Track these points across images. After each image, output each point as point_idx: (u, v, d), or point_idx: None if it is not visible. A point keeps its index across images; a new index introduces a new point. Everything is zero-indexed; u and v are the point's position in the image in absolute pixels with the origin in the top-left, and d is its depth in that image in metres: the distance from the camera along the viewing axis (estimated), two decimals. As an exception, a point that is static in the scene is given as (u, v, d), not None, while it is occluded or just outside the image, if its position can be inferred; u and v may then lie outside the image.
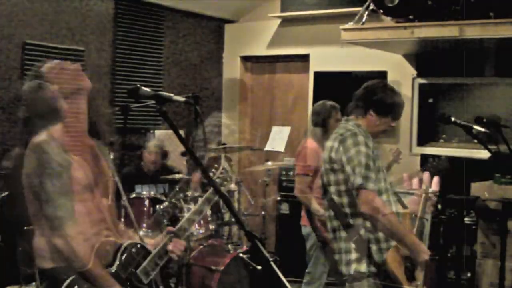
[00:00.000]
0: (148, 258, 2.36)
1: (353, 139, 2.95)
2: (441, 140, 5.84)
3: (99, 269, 2.21)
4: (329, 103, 4.52)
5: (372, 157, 2.94)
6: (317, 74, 6.50)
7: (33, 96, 2.31)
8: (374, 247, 2.92)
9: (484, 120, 3.72)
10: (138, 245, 2.38)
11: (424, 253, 2.87)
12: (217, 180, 2.62)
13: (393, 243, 2.88)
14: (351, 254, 2.96)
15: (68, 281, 2.15)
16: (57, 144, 2.22)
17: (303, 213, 4.51)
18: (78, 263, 2.17)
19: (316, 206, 4.26)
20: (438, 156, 4.72)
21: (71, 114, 2.31)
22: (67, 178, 2.19)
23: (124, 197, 2.48)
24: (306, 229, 4.43)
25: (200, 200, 2.55)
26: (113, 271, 2.27)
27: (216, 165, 2.64)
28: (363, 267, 2.91)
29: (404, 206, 3.04)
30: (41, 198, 2.18)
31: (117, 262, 2.29)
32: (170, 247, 2.41)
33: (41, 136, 2.23)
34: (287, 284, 1.85)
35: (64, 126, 2.29)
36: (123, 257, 2.31)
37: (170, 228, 2.47)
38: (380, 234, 2.91)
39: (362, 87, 3.17)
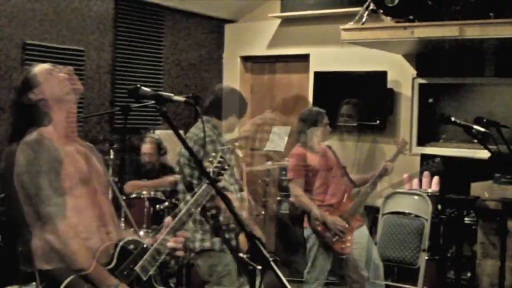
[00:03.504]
0: (147, 255, 2.32)
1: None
2: (441, 140, 5.84)
3: (98, 267, 2.20)
4: (316, 109, 4.70)
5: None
6: (317, 74, 6.49)
7: (23, 97, 2.32)
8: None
9: (484, 120, 3.72)
10: (136, 242, 2.36)
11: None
12: (214, 170, 2.57)
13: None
14: (197, 234, 3.57)
15: (66, 281, 2.14)
16: (47, 142, 2.22)
17: (305, 216, 4.53)
18: (73, 259, 2.16)
19: (316, 211, 4.29)
20: (435, 157, 4.74)
21: (62, 117, 2.32)
22: (58, 176, 2.19)
23: (120, 197, 2.46)
24: (306, 231, 4.46)
25: (197, 192, 2.50)
26: (110, 268, 2.26)
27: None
28: (207, 244, 3.53)
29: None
30: (32, 196, 2.17)
31: (115, 260, 2.27)
32: (171, 244, 2.37)
33: (31, 136, 2.24)
34: (287, 284, 1.85)
35: (54, 127, 2.30)
36: (121, 254, 2.29)
37: (169, 221, 2.41)
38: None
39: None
